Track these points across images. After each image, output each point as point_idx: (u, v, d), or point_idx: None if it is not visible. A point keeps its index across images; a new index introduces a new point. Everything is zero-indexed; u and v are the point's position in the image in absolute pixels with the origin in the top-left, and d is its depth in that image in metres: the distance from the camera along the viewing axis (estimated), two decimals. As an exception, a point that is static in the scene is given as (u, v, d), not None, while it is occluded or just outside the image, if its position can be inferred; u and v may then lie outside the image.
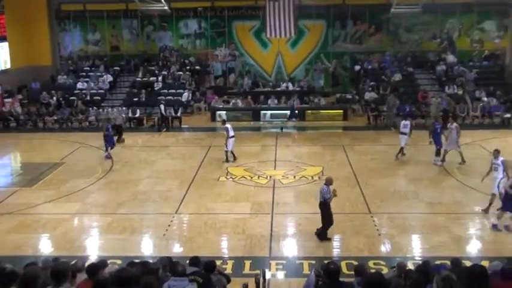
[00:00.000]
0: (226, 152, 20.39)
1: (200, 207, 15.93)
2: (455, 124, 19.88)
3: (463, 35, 33.11)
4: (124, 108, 27.77)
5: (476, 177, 18.17)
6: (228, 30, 33.64)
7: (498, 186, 14.66)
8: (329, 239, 13.54)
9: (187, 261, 8.60)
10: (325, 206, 13.48)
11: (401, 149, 20.45)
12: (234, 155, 20.55)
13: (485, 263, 10.12)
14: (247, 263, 12.32)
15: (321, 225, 13.61)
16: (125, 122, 27.18)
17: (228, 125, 20.61)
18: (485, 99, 27.36)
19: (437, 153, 19.74)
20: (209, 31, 33.86)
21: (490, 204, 14.92)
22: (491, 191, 14.98)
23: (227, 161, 20.30)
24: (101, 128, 22.43)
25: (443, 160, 19.65)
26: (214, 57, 33.92)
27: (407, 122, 20.69)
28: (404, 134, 20.42)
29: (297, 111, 27.50)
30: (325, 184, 13.62)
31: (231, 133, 20.40)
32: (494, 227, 14.05)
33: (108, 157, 21.06)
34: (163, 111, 26.67)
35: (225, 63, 33.82)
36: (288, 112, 27.55)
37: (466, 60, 31.50)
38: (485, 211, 14.97)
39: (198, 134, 25.68)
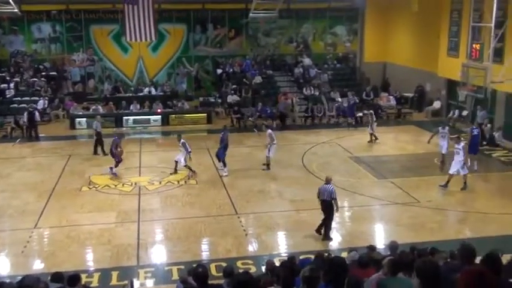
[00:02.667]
0: (188, 166, 19.11)
1: (62, 220, 15.16)
2: (269, 130, 20.16)
3: (317, 39, 34.83)
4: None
5: (334, 173, 19.25)
6: (85, 34, 32.41)
7: (463, 167, 17.01)
8: (331, 239, 13.78)
9: (49, 278, 8.16)
10: (331, 205, 13.58)
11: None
12: (175, 169, 19.30)
13: (344, 254, 10.71)
14: (115, 274, 11.96)
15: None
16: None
17: (183, 140, 19.20)
18: (339, 99, 29.00)
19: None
20: (65, 35, 32.38)
21: (465, 182, 17.14)
22: (462, 173, 17.07)
23: (175, 171, 19.21)
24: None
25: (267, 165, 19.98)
26: (71, 62, 32.51)
27: (371, 111, 23.79)
28: (375, 121, 23.45)
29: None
30: (328, 184, 13.65)
31: (189, 148, 19.05)
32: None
33: (115, 173, 19.14)
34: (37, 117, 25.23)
35: (83, 68, 32.57)
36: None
37: (321, 63, 33.18)
38: (464, 188, 17.19)
39: (56, 142, 24.39)
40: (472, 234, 13.97)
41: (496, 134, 22.80)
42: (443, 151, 19.45)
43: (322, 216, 13.82)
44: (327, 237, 13.75)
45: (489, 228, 14.44)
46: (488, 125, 23.27)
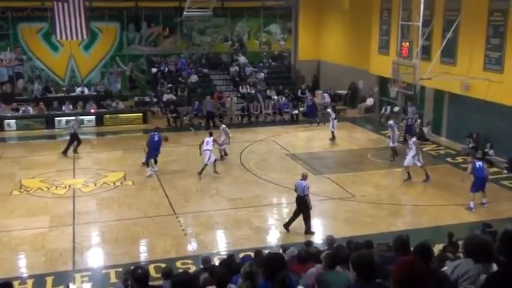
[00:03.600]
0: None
1: (-9, 226, 14.59)
2: (223, 125, 21.18)
3: (252, 37, 35.01)
4: None
5: (272, 170, 19.46)
6: (12, 32, 31.20)
7: (418, 160, 17.92)
8: (313, 232, 13.91)
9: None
10: (305, 201, 13.75)
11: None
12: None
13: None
14: (49, 280, 11.65)
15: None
16: None
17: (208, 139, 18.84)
18: (275, 97, 29.27)
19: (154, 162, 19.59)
20: (-9, 34, 31.08)
21: (409, 174, 18.10)
22: (418, 165, 18.02)
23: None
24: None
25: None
26: (-2, 62, 31.23)
27: (329, 110, 23.99)
28: (335, 118, 23.53)
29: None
30: (303, 180, 13.91)
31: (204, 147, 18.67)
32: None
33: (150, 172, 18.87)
34: None
35: (11, 68, 31.35)
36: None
37: (256, 61, 33.38)
38: (408, 179, 18.15)
39: (-16, 146, 23.43)
40: (405, 227, 14.44)
41: (425, 129, 23.68)
42: (391, 144, 20.53)
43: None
44: (309, 232, 13.92)
45: (421, 220, 15.02)
46: (418, 120, 24.16)
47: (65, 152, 21.36)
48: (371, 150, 21.96)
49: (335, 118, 23.64)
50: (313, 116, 27.03)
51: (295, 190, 14.06)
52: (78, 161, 20.84)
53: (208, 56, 33.59)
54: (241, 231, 14.26)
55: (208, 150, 18.47)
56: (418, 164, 18.02)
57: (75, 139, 21.65)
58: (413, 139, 18.42)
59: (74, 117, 23.30)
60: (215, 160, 18.74)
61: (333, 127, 23.44)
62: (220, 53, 33.96)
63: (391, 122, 21.16)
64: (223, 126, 20.95)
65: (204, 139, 18.74)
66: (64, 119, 26.35)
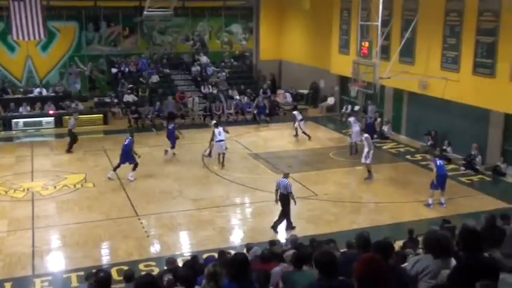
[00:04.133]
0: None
1: None
2: (214, 121, 21.79)
3: (213, 37, 34.93)
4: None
5: (235, 170, 19.46)
6: (-34, 32, 30.35)
7: (367, 157, 18.08)
8: (294, 227, 14.10)
9: None
10: (287, 199, 13.93)
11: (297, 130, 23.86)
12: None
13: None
14: (8, 286, 11.41)
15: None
16: None
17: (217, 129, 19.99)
18: (237, 97, 29.27)
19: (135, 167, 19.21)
20: None
21: (369, 171, 18.23)
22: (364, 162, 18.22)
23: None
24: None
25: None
26: (-49, 63, 30.31)
27: (296, 112, 23.96)
28: (302, 120, 23.76)
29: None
30: (285, 178, 14.15)
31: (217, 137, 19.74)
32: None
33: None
34: None
35: (-35, 68, 30.49)
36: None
37: (218, 61, 33.30)
38: (369, 178, 18.23)
39: None
40: (366, 224, 14.60)
41: (385, 128, 24.06)
42: (351, 139, 21.17)
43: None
44: (274, 229, 14.05)
45: (382, 218, 15.24)
46: (378, 119, 24.54)
47: (68, 150, 21.76)
48: (333, 149, 22.19)
49: (301, 120, 23.76)
50: (264, 115, 27.27)
51: (277, 189, 14.13)
52: (37, 163, 20.39)
53: (170, 56, 33.34)
54: (205, 232, 14.21)
55: (222, 140, 19.67)
56: (366, 161, 18.13)
57: (71, 136, 21.90)
58: (365, 135, 18.71)
59: (74, 114, 23.74)
60: (209, 153, 20.07)
61: (300, 127, 23.62)
62: (182, 53, 33.74)
63: (350, 118, 21.57)
64: (214, 122, 21.42)
65: (214, 131, 19.77)
66: (21, 120, 25.79)
